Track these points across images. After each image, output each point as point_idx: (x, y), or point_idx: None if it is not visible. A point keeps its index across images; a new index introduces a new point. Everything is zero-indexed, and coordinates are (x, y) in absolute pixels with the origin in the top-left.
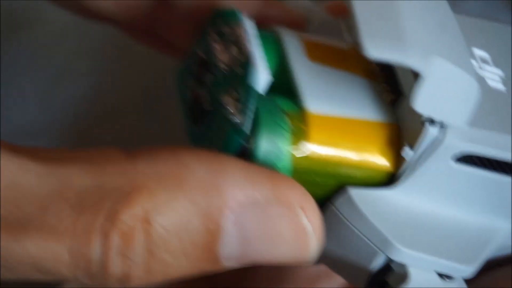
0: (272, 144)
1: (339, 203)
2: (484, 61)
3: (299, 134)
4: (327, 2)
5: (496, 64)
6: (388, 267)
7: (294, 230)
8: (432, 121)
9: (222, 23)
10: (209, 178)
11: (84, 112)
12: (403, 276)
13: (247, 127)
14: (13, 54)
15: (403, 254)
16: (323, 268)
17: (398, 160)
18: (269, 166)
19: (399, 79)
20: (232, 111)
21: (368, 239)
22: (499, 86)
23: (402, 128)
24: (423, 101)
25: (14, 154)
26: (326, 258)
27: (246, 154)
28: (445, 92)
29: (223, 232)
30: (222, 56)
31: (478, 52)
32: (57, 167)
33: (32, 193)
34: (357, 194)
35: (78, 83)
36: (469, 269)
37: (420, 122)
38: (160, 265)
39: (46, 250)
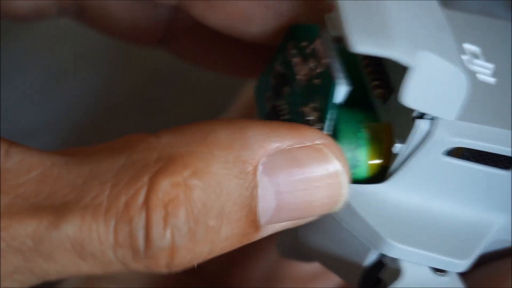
0: (350, 152)
1: None
2: (474, 55)
3: (376, 142)
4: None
5: (487, 58)
6: (381, 263)
7: (325, 169)
8: (422, 116)
9: (300, 37)
10: (234, 136)
11: (84, 112)
12: (397, 272)
13: None
14: (13, 54)
15: (395, 250)
16: (318, 267)
17: (389, 155)
18: None
19: (389, 74)
20: (312, 121)
21: (360, 235)
22: (489, 80)
23: (393, 123)
24: (412, 95)
25: (42, 152)
26: (319, 256)
27: None
28: (434, 85)
29: (258, 185)
30: (300, 69)
31: (469, 47)
32: (87, 157)
33: (65, 182)
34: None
35: (78, 83)
36: (463, 264)
37: (411, 117)
38: (205, 232)
39: (88, 231)
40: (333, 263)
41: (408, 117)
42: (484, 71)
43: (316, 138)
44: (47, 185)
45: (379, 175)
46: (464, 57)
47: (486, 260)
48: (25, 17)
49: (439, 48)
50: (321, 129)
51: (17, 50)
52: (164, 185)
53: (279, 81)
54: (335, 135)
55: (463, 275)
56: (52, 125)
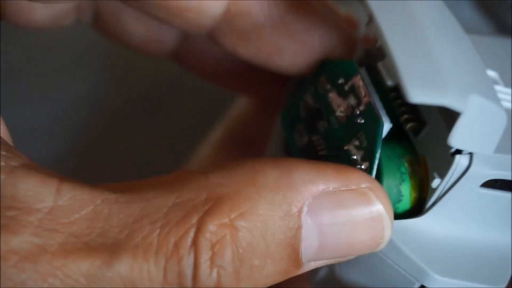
0: (395, 187)
1: None
2: (495, 82)
3: (416, 176)
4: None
5: (506, 83)
6: None
7: (368, 213)
8: (460, 151)
9: (335, 72)
10: (282, 178)
11: (84, 113)
12: None
13: (373, 173)
14: (13, 54)
15: (438, 282)
16: None
17: (424, 188)
18: None
19: (420, 108)
20: (357, 159)
21: (403, 270)
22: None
23: (427, 157)
24: (460, 137)
25: (92, 188)
26: None
27: None
28: (479, 126)
29: (302, 226)
30: (338, 104)
31: (489, 73)
32: (136, 194)
33: (116, 221)
34: None
35: (78, 84)
36: None
37: (449, 153)
38: (249, 271)
39: (139, 270)
40: None
41: (444, 151)
42: (506, 97)
43: (362, 182)
44: (98, 223)
45: (417, 208)
46: None
47: None
48: (44, 26)
49: (481, 86)
50: (368, 168)
51: (17, 51)
52: (212, 227)
53: (311, 115)
54: (379, 171)
55: None
56: (52, 126)
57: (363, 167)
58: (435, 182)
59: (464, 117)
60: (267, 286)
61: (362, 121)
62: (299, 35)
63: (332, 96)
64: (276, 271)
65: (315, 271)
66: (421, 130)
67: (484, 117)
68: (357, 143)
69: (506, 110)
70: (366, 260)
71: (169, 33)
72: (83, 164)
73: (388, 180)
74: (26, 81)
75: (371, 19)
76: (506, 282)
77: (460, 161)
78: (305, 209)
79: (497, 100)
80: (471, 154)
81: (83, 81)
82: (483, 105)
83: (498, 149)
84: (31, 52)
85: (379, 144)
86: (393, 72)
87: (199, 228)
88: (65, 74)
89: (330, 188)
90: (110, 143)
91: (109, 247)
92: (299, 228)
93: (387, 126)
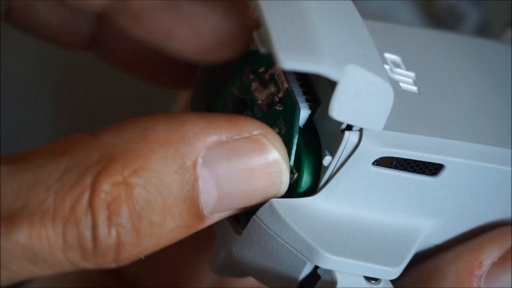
0: (313, 174)
1: (263, 214)
2: (396, 65)
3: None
4: None
5: (408, 67)
6: (316, 274)
7: (264, 158)
8: (351, 128)
9: (257, 62)
10: (173, 131)
11: (84, 112)
12: (331, 282)
13: (291, 160)
14: (13, 54)
15: (329, 261)
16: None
17: (318, 168)
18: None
19: (315, 87)
20: None
21: (294, 248)
22: (412, 88)
23: (321, 135)
24: (340, 109)
25: None
26: (255, 271)
27: (289, 185)
28: (361, 98)
29: (199, 178)
30: (260, 93)
31: (390, 57)
32: (28, 163)
33: (10, 191)
34: (279, 204)
35: (78, 84)
36: (396, 271)
37: (340, 129)
38: (148, 227)
39: (37, 237)
40: (269, 277)
41: (337, 129)
42: (406, 79)
43: (254, 129)
44: None
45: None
46: (386, 67)
47: (414, 261)
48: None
49: (364, 60)
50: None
51: (17, 50)
52: (106, 186)
53: (237, 106)
54: (299, 158)
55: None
56: (51, 123)
57: None
58: (326, 160)
59: (341, 86)
60: (172, 241)
61: (281, 108)
62: (189, 19)
63: (255, 85)
64: (178, 225)
65: (215, 257)
66: (316, 109)
67: (366, 89)
68: (277, 130)
69: (405, 90)
70: (259, 240)
71: (83, 22)
72: None
73: (307, 164)
74: (24, 80)
75: None
76: (403, 264)
77: (350, 138)
78: (200, 161)
79: (382, 75)
80: (361, 131)
81: (82, 82)
82: (363, 77)
83: (391, 126)
84: (31, 52)
85: (296, 129)
86: (266, 40)
87: (94, 189)
88: (65, 74)
89: (223, 138)
90: None
91: (5, 218)
92: (195, 180)
93: (304, 112)
